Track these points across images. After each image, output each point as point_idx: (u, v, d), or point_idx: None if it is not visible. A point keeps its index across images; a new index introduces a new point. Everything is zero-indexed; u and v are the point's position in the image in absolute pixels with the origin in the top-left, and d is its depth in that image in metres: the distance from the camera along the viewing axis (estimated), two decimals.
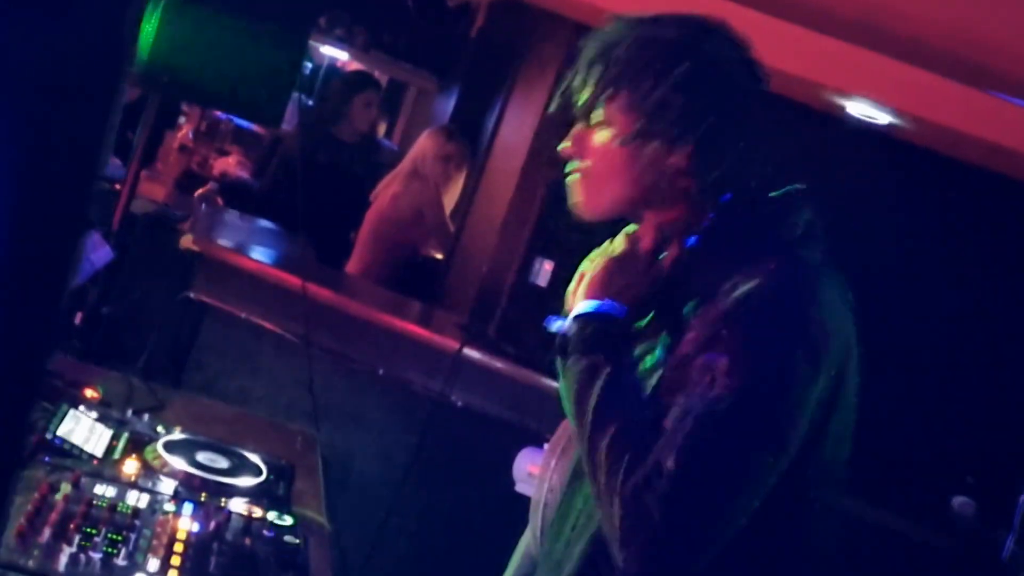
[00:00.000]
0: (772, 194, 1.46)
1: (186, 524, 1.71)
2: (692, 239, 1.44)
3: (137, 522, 1.65)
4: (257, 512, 1.83)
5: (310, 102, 5.84)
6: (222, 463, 1.99)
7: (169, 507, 1.75)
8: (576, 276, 1.53)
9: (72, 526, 1.56)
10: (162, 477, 1.87)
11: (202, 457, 1.99)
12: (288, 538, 1.78)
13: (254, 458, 2.08)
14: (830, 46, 3.10)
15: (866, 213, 3.63)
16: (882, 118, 3.46)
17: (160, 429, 2.07)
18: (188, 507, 1.77)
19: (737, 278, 1.34)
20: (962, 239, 3.75)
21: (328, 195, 4.06)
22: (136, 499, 1.74)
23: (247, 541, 1.72)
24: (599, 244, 1.53)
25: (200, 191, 4.50)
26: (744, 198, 1.44)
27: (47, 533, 1.53)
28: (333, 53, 6.67)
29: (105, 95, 0.71)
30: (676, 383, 1.34)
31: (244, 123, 5.77)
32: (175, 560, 1.59)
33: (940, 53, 2.96)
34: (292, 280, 3.06)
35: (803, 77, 3.05)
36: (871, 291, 1.58)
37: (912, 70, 3.11)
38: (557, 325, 1.50)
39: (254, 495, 1.92)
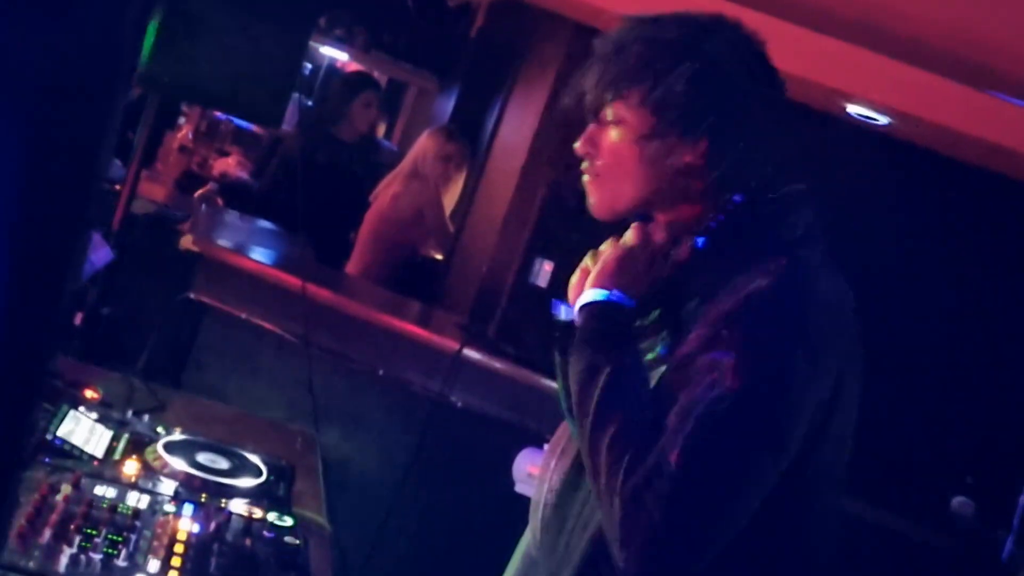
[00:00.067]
0: (772, 194, 1.46)
1: (186, 525, 1.71)
2: (701, 239, 1.44)
3: (137, 523, 1.65)
4: (257, 513, 1.83)
5: (310, 102, 5.85)
6: (222, 464, 1.99)
7: (169, 508, 1.75)
8: (578, 270, 1.52)
9: (72, 527, 1.56)
10: (162, 478, 1.87)
11: (202, 458, 1.99)
12: (288, 539, 1.78)
13: (254, 459, 2.08)
14: (830, 46, 3.10)
15: (866, 213, 3.63)
16: (882, 118, 3.46)
17: (160, 430, 2.07)
18: (188, 508, 1.77)
19: (739, 279, 1.35)
20: (962, 239, 3.75)
21: (328, 195, 4.06)
22: (136, 500, 1.74)
23: (247, 542, 1.72)
24: (599, 244, 1.53)
25: (200, 191, 4.50)
26: (749, 198, 1.44)
27: (47, 534, 1.53)
28: (333, 53, 6.67)
29: (106, 96, 0.71)
30: (676, 383, 1.34)
31: (244, 123, 5.77)
32: (175, 561, 1.59)
33: (940, 53, 2.95)
34: (292, 280, 3.06)
35: (803, 77, 3.05)
36: (871, 291, 1.58)
37: (912, 70, 3.11)
38: (564, 311, 1.50)
39: (254, 496, 1.92)
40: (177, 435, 2.06)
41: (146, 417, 2.13)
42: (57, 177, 0.69)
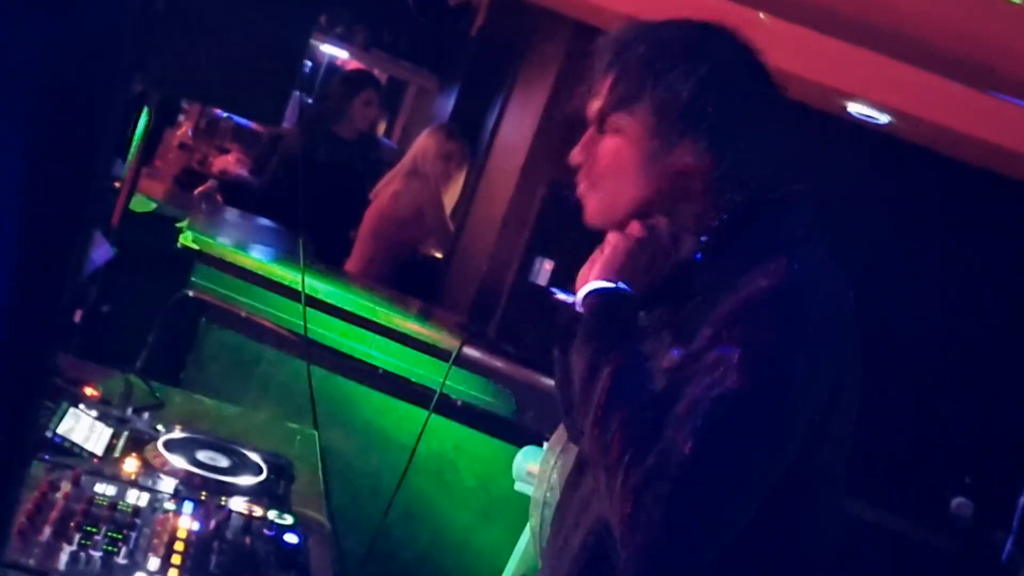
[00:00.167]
0: (773, 194, 1.47)
1: (186, 523, 1.71)
2: (704, 239, 1.44)
3: (137, 520, 1.65)
4: (257, 511, 1.84)
5: (310, 100, 5.84)
6: (222, 462, 1.99)
7: (169, 506, 1.75)
8: (588, 262, 1.52)
9: (72, 524, 1.56)
10: (162, 475, 1.87)
11: (202, 456, 1.99)
12: (288, 537, 1.78)
13: (254, 457, 2.08)
14: (830, 46, 3.10)
15: (866, 213, 3.63)
16: (882, 118, 3.46)
17: (160, 427, 2.07)
18: (188, 506, 1.77)
19: (740, 279, 1.35)
20: (962, 239, 3.74)
21: (328, 193, 4.06)
22: (136, 497, 1.74)
23: (247, 540, 1.72)
24: (599, 243, 1.53)
25: (200, 189, 4.51)
26: (750, 198, 1.45)
27: (47, 531, 1.53)
28: (333, 52, 6.67)
29: (107, 95, 0.71)
30: (677, 383, 1.34)
31: (244, 121, 5.77)
32: (175, 559, 1.59)
33: (940, 53, 2.96)
34: (292, 278, 3.07)
35: (803, 77, 3.05)
36: (871, 291, 1.59)
37: (912, 70, 3.11)
38: (566, 298, 1.49)
39: (254, 494, 1.92)
40: (177, 433, 2.06)
41: (146, 415, 2.13)
42: (58, 177, 0.69)
